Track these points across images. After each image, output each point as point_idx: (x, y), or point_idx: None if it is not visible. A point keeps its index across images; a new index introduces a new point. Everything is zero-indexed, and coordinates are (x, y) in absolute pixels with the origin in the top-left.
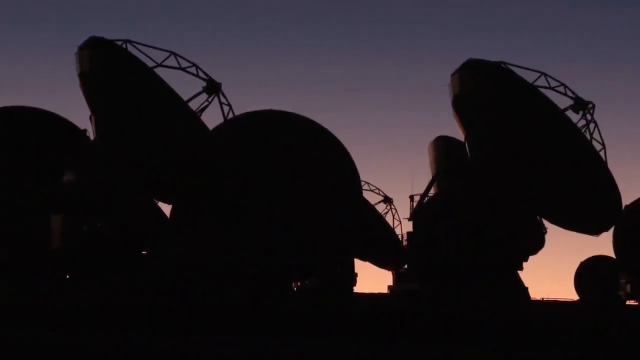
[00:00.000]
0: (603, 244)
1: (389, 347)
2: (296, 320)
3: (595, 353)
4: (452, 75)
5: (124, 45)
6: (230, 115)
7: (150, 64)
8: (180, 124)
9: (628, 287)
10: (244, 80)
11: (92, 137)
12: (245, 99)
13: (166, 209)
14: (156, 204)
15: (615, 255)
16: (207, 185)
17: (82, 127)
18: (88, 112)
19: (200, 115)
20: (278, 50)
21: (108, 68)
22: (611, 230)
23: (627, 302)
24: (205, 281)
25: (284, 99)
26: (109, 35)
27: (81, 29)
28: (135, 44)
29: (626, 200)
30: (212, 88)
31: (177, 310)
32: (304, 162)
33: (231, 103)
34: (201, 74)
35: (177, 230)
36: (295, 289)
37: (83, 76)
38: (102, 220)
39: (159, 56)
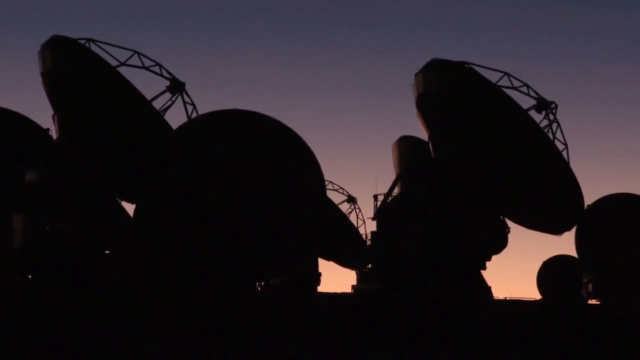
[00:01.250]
0: (565, 244)
1: (353, 347)
2: (260, 319)
3: (558, 352)
4: (416, 75)
5: (86, 44)
6: (194, 115)
7: (113, 62)
8: (143, 123)
9: (590, 286)
10: (208, 80)
11: (55, 136)
12: (210, 99)
13: (130, 208)
14: (120, 203)
15: (578, 254)
16: (171, 184)
17: (45, 126)
18: (51, 111)
19: (164, 114)
20: (243, 50)
21: (71, 67)
22: (574, 230)
23: (590, 302)
24: (169, 281)
25: (248, 99)
26: (72, 34)
27: (44, 28)
28: (98, 43)
29: (588, 200)
30: (176, 87)
31: (141, 310)
32: (268, 161)
33: (195, 102)
34: (165, 73)
35: (141, 229)
36: (259, 288)
37: (46, 75)
38: (65, 220)
39: (123, 55)
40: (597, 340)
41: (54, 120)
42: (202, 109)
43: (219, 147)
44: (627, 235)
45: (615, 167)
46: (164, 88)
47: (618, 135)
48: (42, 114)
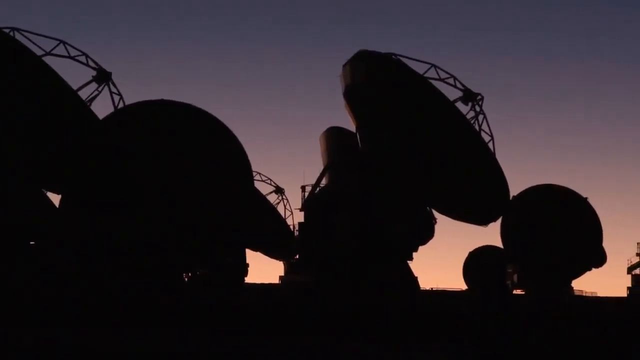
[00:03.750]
0: (491, 234)
1: (280, 340)
2: (186, 311)
3: (484, 343)
4: (344, 66)
5: (11, 33)
6: (121, 105)
7: (38, 52)
8: (69, 113)
9: (515, 276)
10: (135, 70)
11: None
12: (137, 89)
13: (55, 199)
14: (45, 194)
15: (503, 245)
16: (97, 175)
17: None
18: None
19: (90, 104)
20: (170, 41)
21: None
22: (499, 221)
23: (514, 291)
24: (95, 271)
25: (176, 90)
26: None
27: None
28: (23, 32)
29: (514, 191)
30: (102, 77)
31: (68, 301)
32: (196, 152)
33: (122, 92)
34: (91, 63)
35: (66, 220)
36: (185, 279)
37: None
38: None
39: (48, 44)
40: (522, 330)
41: None
42: (129, 99)
43: (145, 137)
44: (552, 226)
45: (540, 159)
46: (90, 78)
47: (543, 127)
48: None
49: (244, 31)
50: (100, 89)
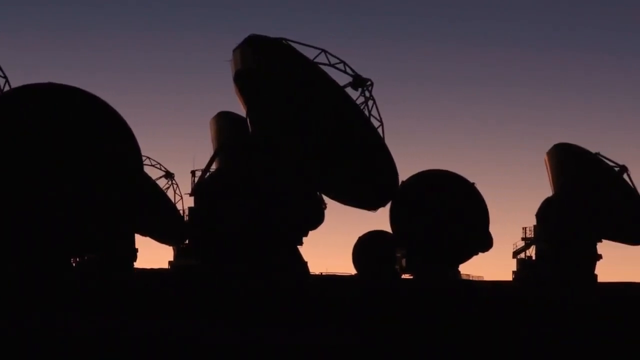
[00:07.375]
0: (380, 219)
1: (170, 324)
2: (75, 295)
3: (374, 326)
4: (234, 50)
5: None
6: (7, 88)
7: None
8: None
9: (403, 261)
10: (21, 52)
11: None
12: (23, 72)
13: None
14: None
15: (392, 230)
16: None
17: None
18: None
19: None
20: (61, 26)
21: None
22: (388, 206)
23: (403, 276)
24: None
25: (65, 74)
26: None
27: None
28: None
29: (403, 176)
30: None
31: None
32: (85, 136)
33: (7, 75)
34: None
35: None
36: (74, 264)
37: None
38: None
39: None
40: (410, 314)
41: None
42: (15, 82)
43: (32, 121)
44: (440, 211)
45: (428, 145)
46: None
47: (432, 113)
48: None
49: (136, 14)
50: None
